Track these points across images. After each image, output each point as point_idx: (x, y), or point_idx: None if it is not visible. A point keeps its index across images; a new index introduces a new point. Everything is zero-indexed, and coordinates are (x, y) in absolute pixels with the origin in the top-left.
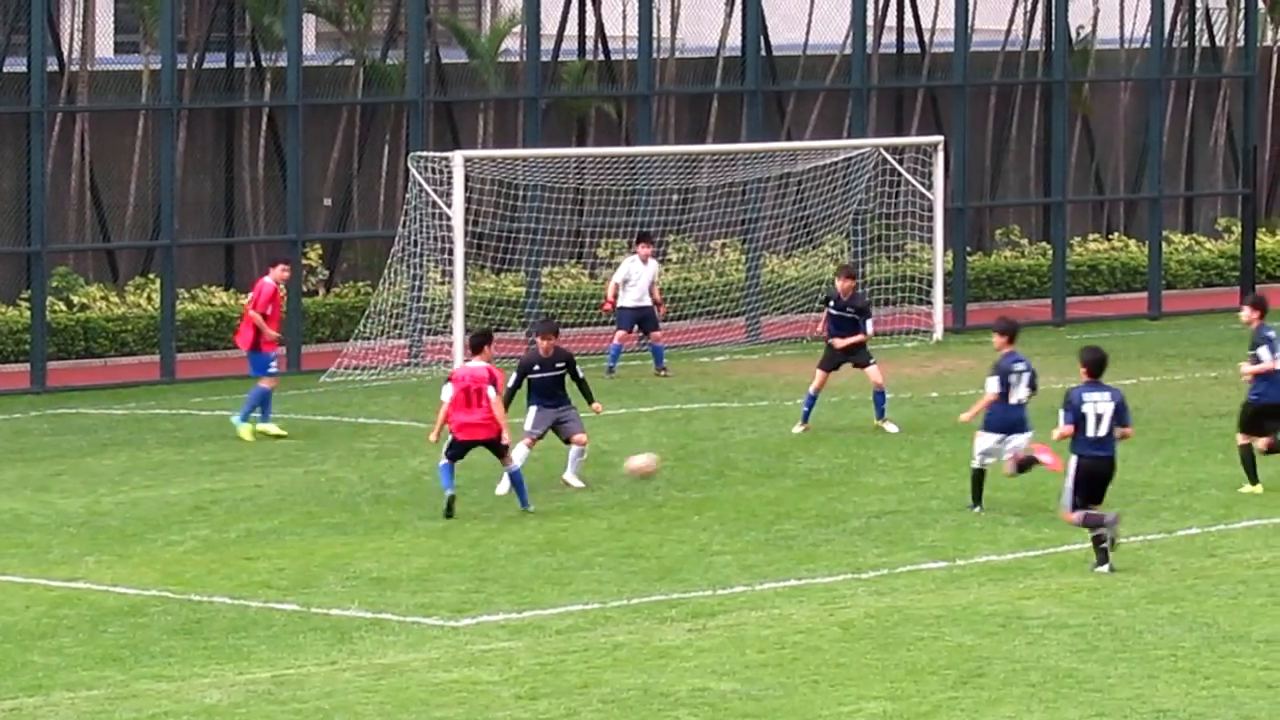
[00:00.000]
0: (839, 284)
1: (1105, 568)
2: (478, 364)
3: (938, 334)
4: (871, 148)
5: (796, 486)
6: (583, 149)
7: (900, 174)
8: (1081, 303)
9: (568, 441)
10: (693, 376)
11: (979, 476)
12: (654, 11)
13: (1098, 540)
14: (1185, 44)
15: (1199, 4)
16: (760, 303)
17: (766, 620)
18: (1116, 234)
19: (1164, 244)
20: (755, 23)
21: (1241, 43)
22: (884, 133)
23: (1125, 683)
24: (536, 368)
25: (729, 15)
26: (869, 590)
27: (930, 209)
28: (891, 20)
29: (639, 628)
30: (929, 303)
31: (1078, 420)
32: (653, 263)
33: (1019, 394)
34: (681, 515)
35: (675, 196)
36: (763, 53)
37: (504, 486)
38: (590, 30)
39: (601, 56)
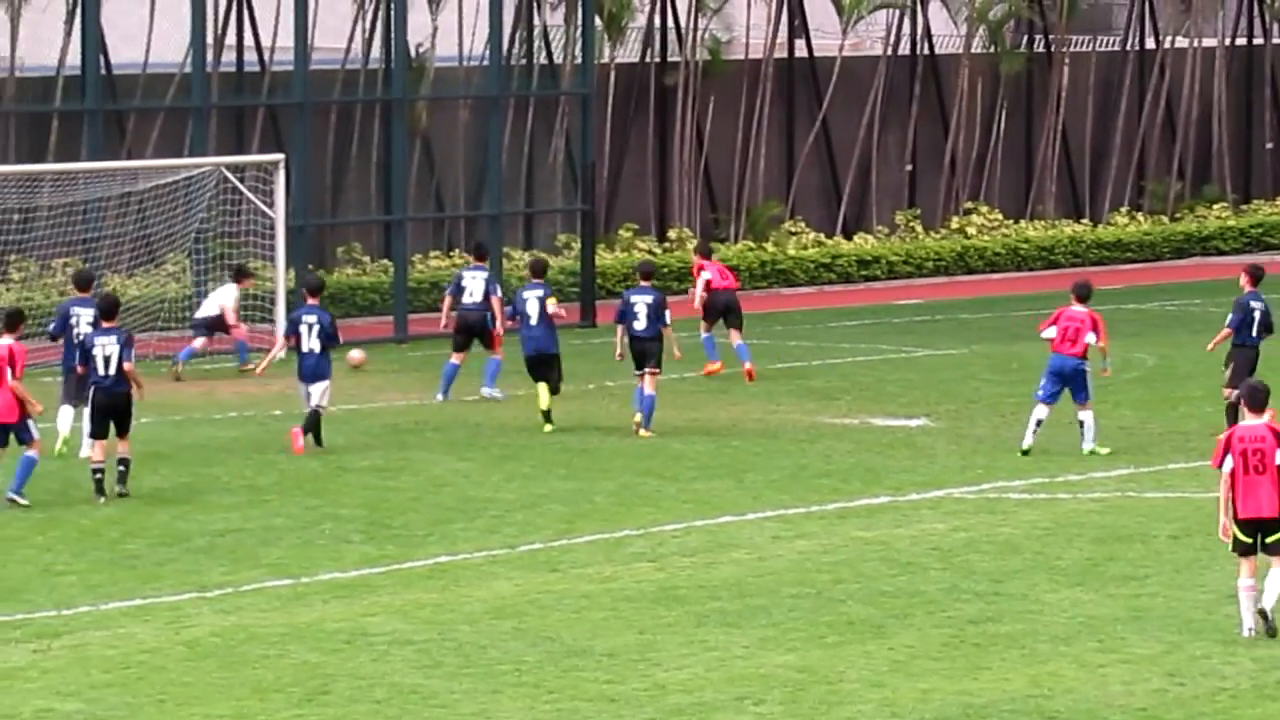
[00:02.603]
0: None
1: None
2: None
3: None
4: (212, 166)
5: (141, 505)
6: None
7: (242, 192)
8: (423, 319)
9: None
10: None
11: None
12: None
13: None
14: (524, 61)
15: (537, 22)
16: None
17: (112, 640)
18: (457, 250)
19: (505, 260)
20: (94, 41)
21: (580, 60)
22: (225, 151)
23: (469, 698)
24: None
25: (68, 34)
26: (214, 609)
27: (272, 227)
28: (232, 39)
29: None
30: (272, 320)
31: None
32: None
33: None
34: (25, 536)
35: (16, 216)
36: (102, 71)
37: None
38: None
39: None
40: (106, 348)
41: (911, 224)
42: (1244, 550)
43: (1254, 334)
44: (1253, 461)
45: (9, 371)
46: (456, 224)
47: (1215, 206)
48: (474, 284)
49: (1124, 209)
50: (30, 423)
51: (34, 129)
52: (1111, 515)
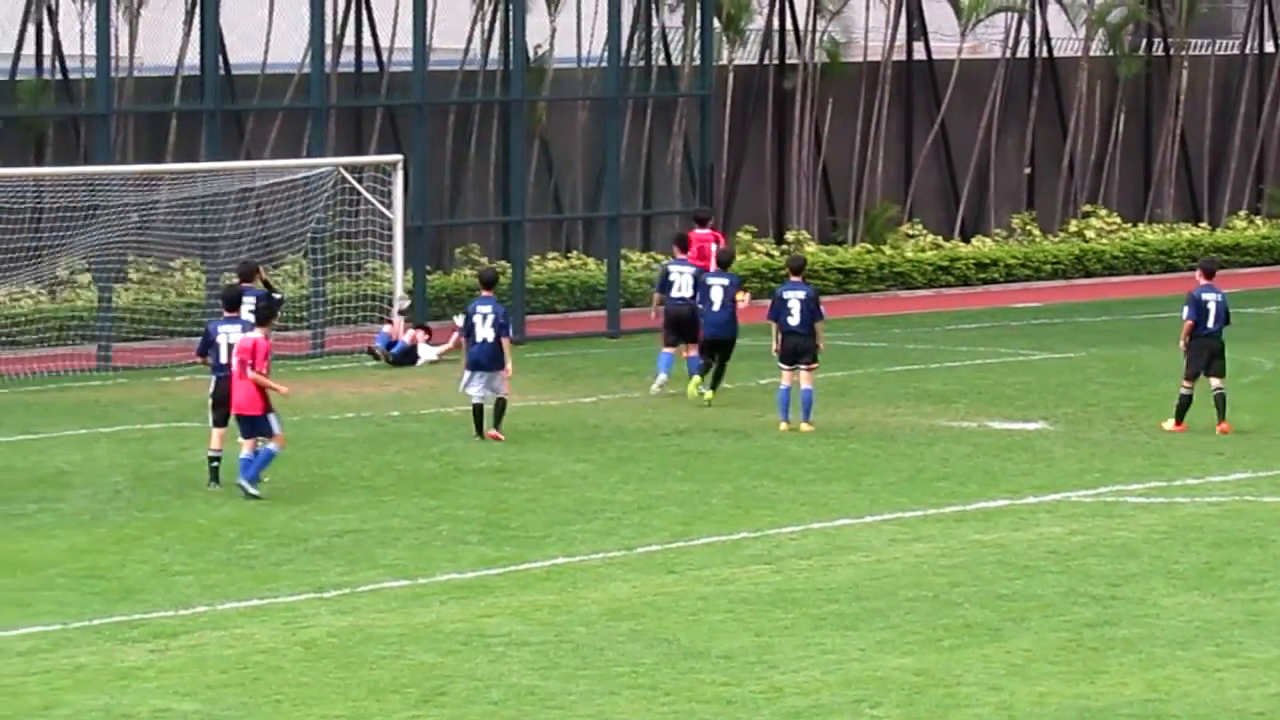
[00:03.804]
0: None
1: None
2: None
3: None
4: (330, 166)
5: (258, 505)
6: (40, 168)
7: (359, 192)
8: (541, 321)
9: None
10: (153, 396)
11: None
12: (112, 30)
13: None
14: (642, 63)
15: (655, 23)
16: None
17: (228, 640)
18: (575, 252)
19: (622, 262)
20: (213, 42)
21: (698, 62)
22: (343, 151)
23: (586, 700)
24: None
25: (187, 35)
26: (331, 609)
27: (390, 228)
28: (350, 39)
29: (100, 649)
30: (391, 321)
31: None
32: None
33: None
34: (143, 535)
35: (135, 216)
36: (221, 71)
37: None
38: (48, 49)
39: (59, 74)
40: (230, 336)
41: (1029, 227)
42: None
43: (1210, 324)
44: None
45: (248, 364)
46: (574, 225)
47: None
48: (682, 279)
49: (1242, 213)
50: (272, 417)
51: (153, 128)
52: (1229, 519)
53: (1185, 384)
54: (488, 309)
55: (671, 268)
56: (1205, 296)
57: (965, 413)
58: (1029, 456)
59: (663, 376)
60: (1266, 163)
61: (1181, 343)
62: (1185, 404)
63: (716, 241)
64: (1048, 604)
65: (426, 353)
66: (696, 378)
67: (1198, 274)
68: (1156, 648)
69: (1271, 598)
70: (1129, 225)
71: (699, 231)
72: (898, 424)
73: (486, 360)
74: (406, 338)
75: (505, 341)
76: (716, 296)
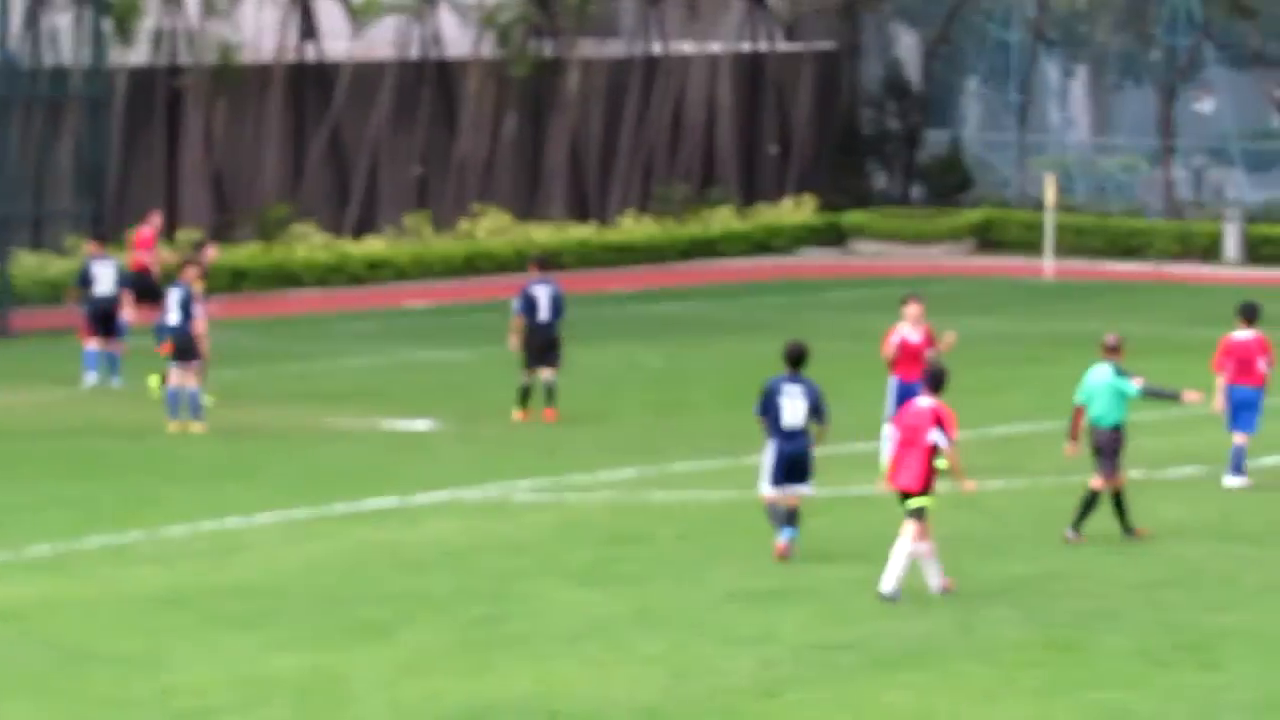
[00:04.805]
0: None
1: None
2: None
3: None
4: None
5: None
6: None
7: None
8: None
9: None
10: None
11: None
12: None
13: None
14: (33, 63)
15: (46, 22)
16: None
17: None
18: None
19: (14, 262)
20: None
21: (91, 62)
22: None
23: None
24: None
25: None
26: None
27: None
28: None
29: None
30: None
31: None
32: None
33: None
34: None
35: None
36: None
37: None
38: None
39: None
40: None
41: (421, 226)
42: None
43: (544, 316)
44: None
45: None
46: None
47: (720, 209)
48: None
49: (632, 211)
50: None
51: None
52: (617, 516)
53: (525, 374)
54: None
55: (535, 288)
56: (537, 289)
57: (357, 412)
58: (420, 455)
59: (92, 375)
60: (655, 162)
61: (511, 339)
62: (525, 393)
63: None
64: (438, 602)
65: None
66: (156, 377)
67: (531, 265)
68: (545, 643)
69: (657, 593)
70: (519, 224)
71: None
72: (290, 424)
73: None
74: None
75: None
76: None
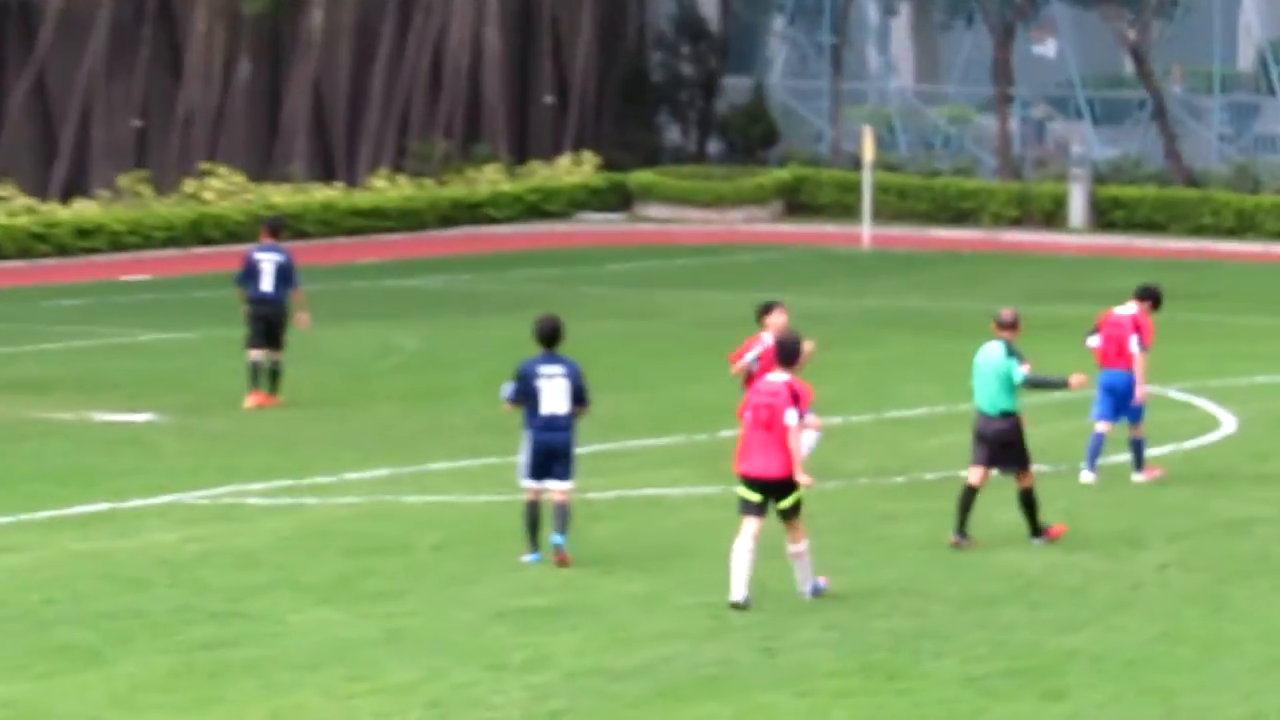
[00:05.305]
0: None
1: None
2: None
3: None
4: None
5: None
6: None
7: None
8: None
9: None
10: None
11: None
12: None
13: None
14: None
15: None
16: None
17: None
18: None
19: None
20: None
21: None
22: None
23: None
24: None
25: None
26: None
27: None
28: None
29: None
30: None
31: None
32: None
33: None
34: None
35: None
36: None
37: None
38: None
39: None
40: None
41: (139, 188)
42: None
43: (266, 288)
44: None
45: None
46: None
47: (487, 169)
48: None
49: (385, 171)
50: None
51: None
52: (366, 523)
53: (252, 354)
54: None
55: (258, 254)
56: (260, 256)
57: (63, 403)
58: (137, 453)
59: None
60: (412, 114)
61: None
62: (254, 372)
63: None
64: (157, 622)
65: None
66: None
67: (262, 231)
68: (281, 671)
69: (412, 612)
70: (254, 185)
71: None
72: None
73: None
74: None
75: None
76: None
